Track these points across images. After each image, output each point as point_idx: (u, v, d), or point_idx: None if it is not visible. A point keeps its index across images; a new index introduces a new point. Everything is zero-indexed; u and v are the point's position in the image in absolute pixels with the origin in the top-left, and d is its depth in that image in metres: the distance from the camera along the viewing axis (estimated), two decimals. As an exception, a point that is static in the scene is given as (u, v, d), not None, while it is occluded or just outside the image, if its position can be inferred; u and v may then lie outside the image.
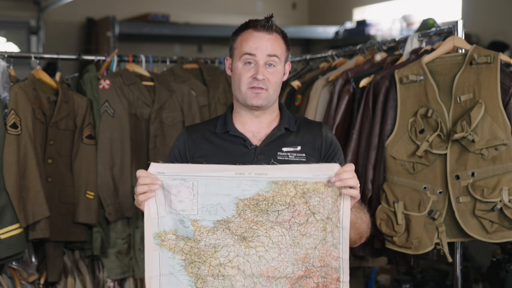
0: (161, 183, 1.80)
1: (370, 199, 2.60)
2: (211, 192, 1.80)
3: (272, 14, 2.00)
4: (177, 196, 1.80)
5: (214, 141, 2.04)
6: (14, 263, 2.79)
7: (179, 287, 1.82)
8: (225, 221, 1.80)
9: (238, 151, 2.01)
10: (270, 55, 1.96)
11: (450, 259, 2.53)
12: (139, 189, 1.80)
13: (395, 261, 2.81)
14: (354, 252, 2.75)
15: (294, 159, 2.01)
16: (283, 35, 2.02)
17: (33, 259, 2.86)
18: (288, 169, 1.80)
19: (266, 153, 2.00)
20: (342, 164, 2.02)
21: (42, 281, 2.90)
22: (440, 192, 2.46)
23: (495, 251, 3.20)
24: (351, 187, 1.76)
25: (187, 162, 2.02)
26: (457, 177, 2.42)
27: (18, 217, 2.63)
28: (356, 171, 2.64)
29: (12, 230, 2.62)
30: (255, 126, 2.03)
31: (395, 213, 2.46)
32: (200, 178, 1.80)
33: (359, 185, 1.78)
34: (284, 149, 2.02)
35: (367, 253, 2.76)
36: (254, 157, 1.99)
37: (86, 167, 2.94)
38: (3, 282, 2.79)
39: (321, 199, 1.77)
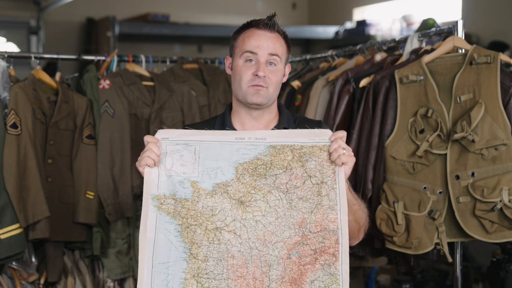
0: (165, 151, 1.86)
1: (370, 199, 2.60)
2: (212, 156, 1.84)
3: (274, 13, 2.01)
4: (180, 160, 1.85)
5: None
6: (14, 263, 2.79)
7: (172, 252, 1.82)
8: (224, 184, 1.84)
9: None
10: (271, 54, 1.96)
11: (450, 259, 2.53)
12: (146, 153, 1.84)
13: (395, 261, 2.81)
14: (354, 252, 2.75)
15: None
16: (284, 36, 2.02)
17: (33, 259, 2.86)
18: (286, 134, 1.87)
19: None
20: None
21: (42, 281, 2.90)
22: (440, 192, 2.46)
23: (495, 251, 3.20)
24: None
25: None
26: (457, 177, 2.42)
27: (18, 217, 2.63)
28: (356, 171, 2.67)
29: (12, 230, 2.62)
30: (254, 126, 2.03)
31: (395, 213, 2.46)
32: (203, 143, 1.85)
33: (351, 155, 1.83)
34: None
35: (367, 253, 2.76)
36: None
37: (86, 167, 2.94)
38: (3, 282, 2.79)
39: (317, 163, 1.82)
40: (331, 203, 1.80)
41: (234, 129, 2.03)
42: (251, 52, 1.95)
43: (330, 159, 1.81)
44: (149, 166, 1.84)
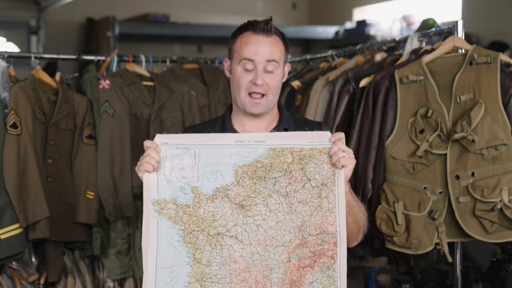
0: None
1: (370, 199, 2.60)
2: (212, 159, 1.84)
3: (271, 17, 1.99)
4: (179, 164, 1.85)
5: None
6: (14, 263, 2.79)
7: (176, 257, 1.83)
8: (224, 188, 1.84)
9: None
10: (269, 60, 1.95)
11: (450, 259, 2.53)
12: (146, 159, 1.84)
13: (395, 261, 2.81)
14: (354, 252, 2.75)
15: None
16: (282, 37, 2.01)
17: (33, 259, 2.86)
18: (285, 136, 1.88)
19: None
20: None
21: (42, 281, 2.90)
22: (440, 192, 2.46)
23: (495, 251, 3.20)
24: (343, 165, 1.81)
25: None
26: (457, 177, 2.42)
27: (18, 217, 2.63)
28: (356, 171, 2.67)
29: (12, 230, 2.62)
30: (254, 127, 2.03)
31: (395, 213, 2.46)
32: (203, 147, 1.85)
33: (352, 157, 1.82)
34: None
35: (367, 253, 2.76)
36: None
37: (86, 167, 2.94)
38: (3, 282, 2.79)
39: (317, 165, 1.82)
40: (330, 205, 1.81)
41: (234, 131, 2.03)
42: (249, 60, 1.94)
43: (330, 161, 1.81)
44: (148, 171, 1.84)
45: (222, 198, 1.84)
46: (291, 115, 2.10)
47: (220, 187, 1.84)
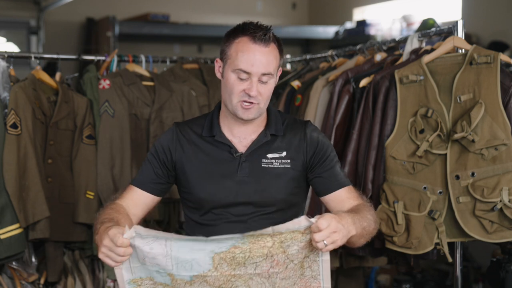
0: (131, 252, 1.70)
1: (370, 199, 2.59)
2: (185, 248, 1.70)
3: (270, 27, 1.94)
4: (150, 253, 1.71)
5: (200, 145, 2.02)
6: (14, 263, 2.80)
7: None
8: (202, 276, 1.73)
9: (223, 157, 2.00)
10: (264, 74, 1.90)
11: (450, 259, 2.53)
12: (112, 256, 1.70)
13: (395, 261, 2.81)
14: (354, 252, 2.75)
15: (279, 166, 1.99)
16: (278, 44, 1.95)
17: (33, 259, 2.86)
18: (264, 231, 1.69)
19: (251, 160, 1.99)
20: (332, 159, 2.02)
21: (42, 281, 2.90)
22: (440, 192, 2.46)
23: (495, 251, 3.19)
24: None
25: (171, 159, 2.01)
26: (457, 177, 2.42)
27: (18, 217, 2.63)
28: (356, 171, 2.67)
29: (12, 230, 2.62)
30: (242, 131, 2.01)
31: (395, 213, 2.46)
32: (173, 238, 1.71)
33: (336, 238, 1.68)
34: (269, 155, 2.00)
35: (367, 253, 2.76)
36: (239, 165, 1.98)
37: (86, 167, 2.94)
38: (3, 282, 2.79)
39: (300, 247, 1.71)
40: (313, 273, 1.75)
41: (221, 133, 2.01)
42: (244, 71, 1.90)
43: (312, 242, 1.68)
44: (117, 264, 1.74)
45: (200, 283, 1.74)
46: (280, 114, 2.07)
47: (198, 274, 1.72)
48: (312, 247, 1.71)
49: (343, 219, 1.74)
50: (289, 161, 2.00)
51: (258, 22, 1.95)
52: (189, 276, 1.73)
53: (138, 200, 2.02)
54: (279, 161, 2.00)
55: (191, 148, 2.02)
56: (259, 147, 2.00)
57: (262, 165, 1.98)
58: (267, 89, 1.94)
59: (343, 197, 2.01)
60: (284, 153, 2.01)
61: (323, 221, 1.66)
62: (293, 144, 2.01)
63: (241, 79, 1.91)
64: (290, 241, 1.70)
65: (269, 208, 1.99)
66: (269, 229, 1.69)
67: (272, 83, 1.95)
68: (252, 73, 1.90)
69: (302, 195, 2.09)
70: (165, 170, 2.04)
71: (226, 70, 1.94)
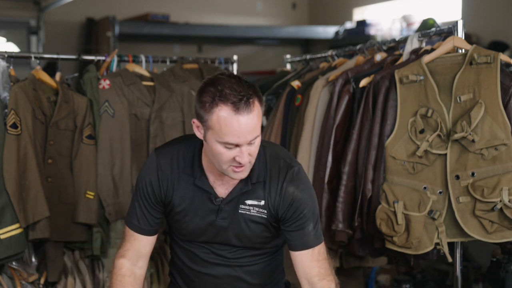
0: None
1: (370, 199, 2.60)
2: None
3: (251, 86, 1.82)
4: None
5: (182, 181, 2.01)
6: (14, 263, 2.79)
7: None
8: None
9: (203, 199, 2.00)
10: (253, 139, 1.83)
11: (450, 259, 2.53)
12: None
13: (395, 261, 2.81)
14: (354, 252, 2.75)
15: (256, 214, 1.99)
16: (258, 97, 1.83)
17: (33, 259, 2.86)
18: None
19: (230, 205, 1.99)
20: (305, 218, 1.99)
21: (42, 281, 2.90)
22: (440, 192, 2.46)
23: (495, 251, 3.19)
24: None
25: (159, 193, 2.01)
26: (457, 177, 2.42)
27: (18, 217, 2.63)
28: (356, 171, 2.67)
29: (12, 230, 2.62)
30: (225, 182, 1.99)
31: (395, 213, 2.46)
32: None
33: None
34: (248, 201, 1.99)
35: (367, 253, 2.76)
36: (218, 210, 1.99)
37: (86, 167, 2.94)
38: (3, 282, 2.79)
39: None
40: None
41: (203, 179, 1.98)
42: (232, 144, 1.81)
43: None
44: None
45: None
46: (264, 154, 1.99)
47: None
48: None
49: None
50: (265, 211, 1.99)
51: (234, 84, 1.80)
52: None
53: (145, 243, 2.12)
54: (257, 209, 1.99)
55: (174, 182, 2.01)
56: (240, 194, 1.99)
57: (240, 211, 1.99)
58: (256, 147, 1.88)
59: (305, 259, 2.01)
60: (263, 202, 1.99)
61: None
62: (271, 195, 1.99)
63: (229, 148, 1.83)
64: None
65: (249, 248, 2.06)
66: None
67: (259, 139, 1.88)
68: (240, 144, 1.82)
69: (281, 237, 2.11)
70: (158, 207, 2.06)
71: (209, 138, 1.84)
